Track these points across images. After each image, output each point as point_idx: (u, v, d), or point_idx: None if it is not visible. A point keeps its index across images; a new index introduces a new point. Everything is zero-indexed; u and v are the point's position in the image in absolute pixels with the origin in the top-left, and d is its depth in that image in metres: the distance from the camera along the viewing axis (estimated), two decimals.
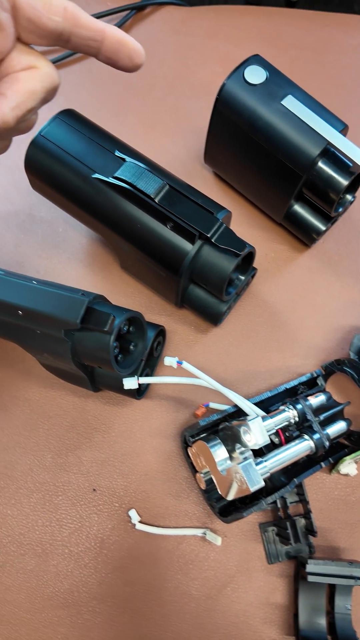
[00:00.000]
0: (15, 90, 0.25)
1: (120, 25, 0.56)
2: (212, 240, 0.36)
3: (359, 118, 0.53)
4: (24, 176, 0.50)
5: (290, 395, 0.43)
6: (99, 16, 0.56)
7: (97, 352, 0.35)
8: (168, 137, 0.52)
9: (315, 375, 0.43)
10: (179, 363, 0.37)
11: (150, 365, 0.43)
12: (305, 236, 0.46)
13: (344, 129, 0.41)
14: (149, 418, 0.43)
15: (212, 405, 0.43)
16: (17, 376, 0.44)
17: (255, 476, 0.34)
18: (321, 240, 0.49)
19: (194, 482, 0.42)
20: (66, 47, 0.27)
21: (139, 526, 0.40)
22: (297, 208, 0.45)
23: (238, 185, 0.48)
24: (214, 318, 0.43)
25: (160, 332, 0.42)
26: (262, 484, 0.34)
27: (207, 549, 0.41)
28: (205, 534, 0.40)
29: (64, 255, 0.48)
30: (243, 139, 0.42)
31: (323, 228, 0.45)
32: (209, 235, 0.36)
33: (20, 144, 0.50)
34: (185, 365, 0.37)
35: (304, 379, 0.43)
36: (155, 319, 0.46)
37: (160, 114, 0.53)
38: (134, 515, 0.41)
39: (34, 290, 0.34)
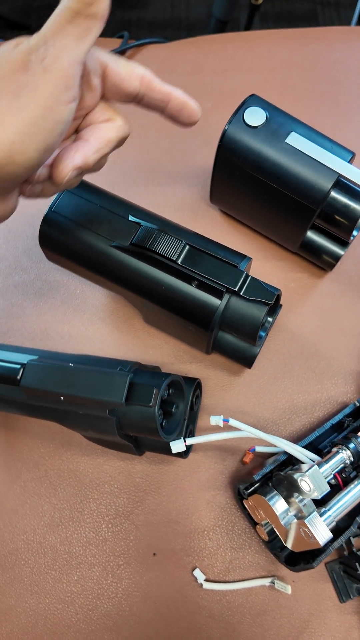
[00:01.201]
0: (97, 137, 0.30)
1: None
2: (241, 294, 0.36)
3: (355, 131, 0.53)
4: (34, 243, 0.50)
5: (337, 430, 0.42)
6: None
7: (143, 424, 0.35)
8: (170, 182, 0.52)
9: (358, 404, 0.43)
10: (225, 421, 0.36)
11: (191, 419, 0.43)
12: (323, 263, 0.46)
13: (352, 158, 0.40)
14: (197, 472, 0.43)
15: (258, 449, 0.43)
16: (59, 449, 0.44)
17: (322, 530, 0.33)
18: (340, 263, 0.48)
19: (253, 532, 0.41)
20: (138, 105, 0.32)
21: (206, 585, 0.40)
22: (312, 236, 0.45)
23: (248, 221, 0.48)
24: (247, 361, 0.42)
25: (197, 384, 0.42)
26: (331, 535, 0.33)
27: (277, 597, 0.40)
28: (273, 582, 0.40)
29: (85, 317, 0.48)
30: (250, 180, 0.42)
31: (341, 253, 0.45)
32: (236, 290, 0.36)
33: (28, 216, 0.50)
34: (232, 422, 0.36)
35: (348, 410, 0.42)
36: (186, 368, 0.46)
37: (158, 159, 0.53)
38: (199, 574, 0.40)
39: (73, 374, 0.34)
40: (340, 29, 0.59)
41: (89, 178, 0.42)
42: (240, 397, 0.45)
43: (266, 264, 0.49)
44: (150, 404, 0.33)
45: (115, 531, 0.42)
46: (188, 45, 0.59)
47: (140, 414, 0.34)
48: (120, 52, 0.57)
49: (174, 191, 0.52)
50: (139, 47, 0.58)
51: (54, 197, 0.40)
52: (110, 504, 0.42)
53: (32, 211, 0.51)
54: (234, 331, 0.39)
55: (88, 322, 0.48)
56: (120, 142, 0.32)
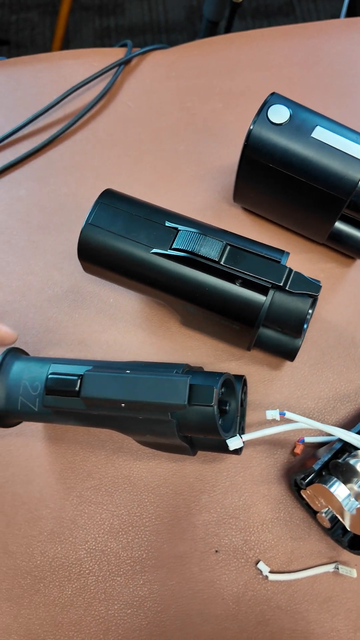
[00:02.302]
0: None
1: (112, 83, 0.57)
2: (286, 288, 0.37)
3: None
4: (62, 257, 0.51)
5: None
6: (89, 80, 0.56)
7: (203, 424, 0.35)
8: (189, 185, 0.53)
9: None
10: (282, 414, 0.37)
11: (242, 416, 0.43)
12: (352, 251, 0.47)
13: None
14: (249, 467, 0.44)
15: (308, 439, 0.43)
16: (111, 456, 0.44)
17: None
18: None
19: (312, 521, 0.42)
20: None
21: (272, 577, 0.41)
22: (341, 226, 0.45)
23: (274, 217, 0.49)
24: (290, 355, 0.43)
25: (244, 381, 0.43)
26: None
27: (341, 582, 0.41)
28: (337, 568, 0.41)
29: (120, 324, 0.48)
30: (278, 176, 0.42)
31: None
32: (281, 285, 0.37)
33: (55, 232, 0.51)
34: (288, 414, 0.37)
35: None
36: (226, 366, 0.47)
37: (176, 165, 0.54)
38: (263, 567, 0.41)
39: (134, 381, 0.34)
40: (339, 22, 0.60)
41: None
42: (284, 390, 0.46)
43: (293, 258, 0.49)
44: (212, 404, 0.33)
45: (175, 532, 0.42)
46: (191, 49, 0.60)
47: (200, 415, 0.35)
48: (127, 60, 0.58)
49: (194, 194, 0.53)
50: (144, 55, 0.59)
51: (89, 211, 0.40)
52: (167, 505, 0.43)
53: (59, 228, 0.52)
54: (278, 326, 0.40)
55: (124, 330, 0.48)
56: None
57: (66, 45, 1.55)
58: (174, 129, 0.55)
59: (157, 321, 0.48)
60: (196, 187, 0.53)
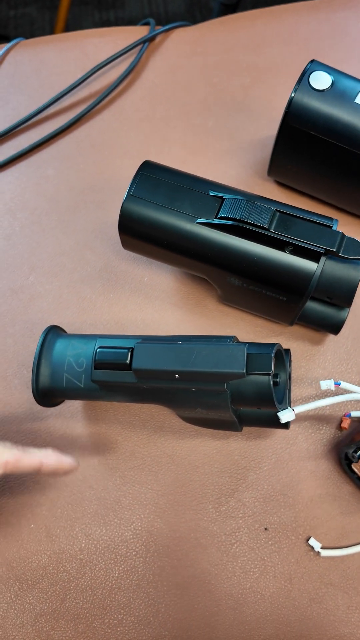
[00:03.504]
0: None
1: (137, 60, 0.56)
2: (340, 254, 0.36)
3: None
4: (94, 236, 0.49)
5: None
6: (114, 58, 0.55)
7: (258, 395, 0.34)
8: (220, 160, 0.52)
9: None
10: (337, 384, 0.36)
11: (289, 389, 0.42)
12: None
13: None
14: (295, 443, 0.43)
15: (354, 414, 0.43)
16: (153, 435, 0.43)
17: None
18: None
19: None
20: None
21: (324, 552, 0.40)
22: None
23: (312, 191, 0.48)
24: (335, 327, 0.42)
25: (289, 355, 0.42)
26: None
27: None
28: None
29: (156, 303, 0.47)
30: (320, 145, 0.41)
31: None
32: (334, 250, 0.36)
33: (85, 211, 0.50)
34: (344, 384, 0.36)
35: None
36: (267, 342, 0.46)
37: (206, 140, 0.53)
38: (314, 543, 0.40)
39: (187, 351, 0.33)
40: None
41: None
42: (327, 365, 0.45)
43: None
44: (270, 372, 0.33)
45: (222, 511, 0.42)
46: (216, 25, 0.59)
47: (254, 385, 0.34)
48: (151, 38, 0.57)
49: (225, 169, 0.52)
50: (167, 32, 0.58)
51: (130, 182, 0.39)
52: (213, 484, 0.42)
53: (89, 207, 0.51)
54: (327, 296, 0.39)
55: (160, 308, 0.47)
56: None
57: None
58: (202, 104, 0.54)
59: (193, 299, 0.47)
60: (227, 162, 0.52)
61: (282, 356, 0.38)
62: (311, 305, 0.41)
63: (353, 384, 0.44)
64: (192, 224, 0.38)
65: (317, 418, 0.43)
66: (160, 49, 0.57)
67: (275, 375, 0.38)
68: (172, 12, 1.59)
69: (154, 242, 0.40)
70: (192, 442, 0.43)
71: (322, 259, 0.37)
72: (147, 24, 0.59)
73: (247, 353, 0.33)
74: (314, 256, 0.36)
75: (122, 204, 0.39)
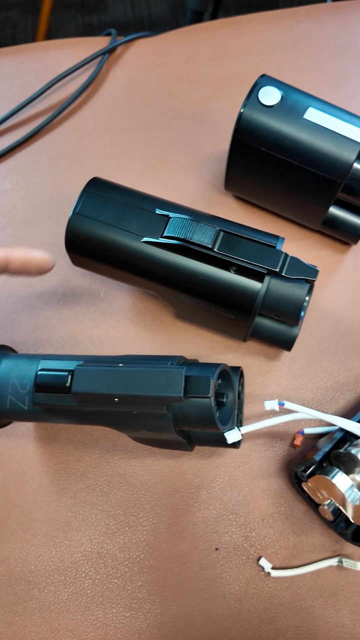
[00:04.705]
0: None
1: (97, 72, 0.55)
2: (283, 274, 0.35)
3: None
4: (50, 252, 0.49)
5: None
6: (73, 70, 0.55)
7: (200, 417, 0.34)
8: (179, 174, 0.51)
9: None
10: (281, 404, 0.36)
11: (239, 408, 0.42)
12: (348, 236, 0.46)
13: None
14: (248, 461, 0.42)
15: (307, 431, 0.42)
16: (105, 455, 0.43)
17: None
18: None
19: (314, 514, 0.41)
20: None
21: (275, 573, 0.39)
22: (335, 212, 0.44)
23: (267, 204, 0.48)
24: (287, 344, 0.42)
25: (241, 373, 0.41)
26: None
27: (346, 575, 0.40)
28: (341, 561, 0.40)
29: (112, 319, 0.47)
30: (270, 161, 0.41)
31: None
32: (277, 270, 0.35)
33: (41, 225, 0.49)
34: (288, 404, 0.36)
35: None
36: (222, 358, 0.45)
37: (166, 153, 0.52)
38: (265, 563, 0.40)
39: (127, 374, 0.33)
40: (328, 5, 0.59)
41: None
42: (282, 381, 0.44)
43: (287, 245, 0.48)
44: (209, 395, 0.32)
45: (173, 531, 0.41)
46: (178, 36, 0.58)
47: (196, 407, 0.34)
48: (111, 49, 0.56)
49: (185, 183, 0.51)
50: (129, 43, 0.58)
51: (76, 200, 0.39)
52: (165, 504, 0.42)
53: (46, 221, 0.50)
54: (275, 314, 0.39)
55: (116, 324, 0.47)
56: None
57: None
58: (162, 117, 0.54)
59: (150, 314, 0.47)
60: (187, 176, 0.51)
61: (229, 376, 0.37)
62: (263, 322, 0.41)
63: (307, 400, 0.44)
64: (138, 243, 0.38)
65: (271, 435, 0.43)
66: (121, 60, 0.57)
67: (222, 395, 0.37)
68: (156, 15, 1.59)
69: (102, 260, 0.39)
70: (145, 461, 0.43)
71: (267, 278, 0.36)
72: (109, 34, 0.58)
73: (186, 376, 0.33)
74: (257, 276, 0.36)
75: (68, 222, 0.38)
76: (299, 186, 0.42)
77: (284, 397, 0.44)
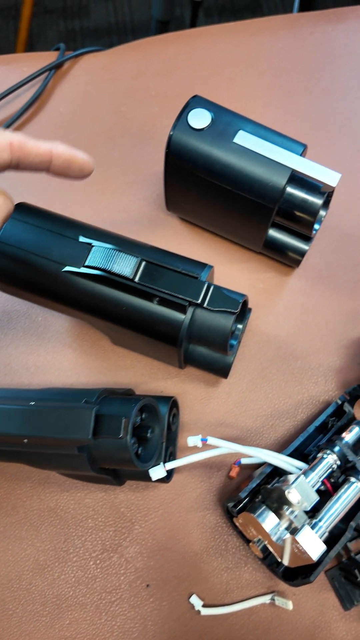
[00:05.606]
0: None
1: (42, 88, 0.54)
2: (204, 306, 0.34)
3: (308, 120, 0.52)
4: None
5: (322, 431, 0.41)
6: (17, 87, 0.53)
7: (116, 455, 0.33)
8: (124, 193, 0.50)
9: (340, 402, 0.41)
10: (204, 441, 0.35)
11: (171, 440, 0.41)
12: (289, 260, 0.45)
13: (304, 150, 0.39)
14: (183, 494, 0.41)
15: (244, 461, 0.41)
16: (36, 488, 0.42)
17: (315, 544, 0.32)
18: (305, 258, 0.47)
19: (248, 549, 0.40)
20: (16, 170, 0.31)
21: (205, 611, 0.38)
22: (275, 234, 0.43)
23: (208, 226, 0.46)
24: (223, 372, 0.40)
25: (173, 403, 0.40)
26: (324, 548, 0.32)
27: (279, 613, 0.39)
28: (274, 599, 0.38)
29: (49, 345, 0.46)
30: (203, 184, 0.40)
31: (306, 248, 0.43)
32: (199, 302, 0.34)
33: None
34: (211, 440, 0.35)
35: (330, 410, 0.41)
36: (162, 385, 0.44)
37: (111, 172, 0.51)
38: (195, 601, 0.38)
39: (35, 415, 0.31)
40: (283, 17, 0.58)
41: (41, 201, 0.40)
42: (221, 408, 0.43)
43: (232, 267, 0.47)
44: (120, 436, 0.31)
45: (104, 567, 0.40)
46: (128, 50, 0.57)
47: (112, 446, 0.32)
48: (57, 65, 0.55)
49: (129, 202, 0.50)
50: (77, 58, 0.56)
51: None
52: (96, 538, 0.40)
53: None
54: (203, 344, 0.37)
55: (53, 350, 0.45)
56: (4, 221, 0.31)
57: (30, 49, 1.52)
58: (108, 134, 0.53)
59: (88, 340, 0.46)
60: (132, 196, 0.50)
61: (155, 409, 0.36)
62: (197, 349, 0.40)
63: (246, 428, 0.43)
64: (59, 272, 0.36)
65: (208, 466, 0.42)
66: (68, 77, 0.56)
67: (146, 430, 0.36)
68: (138, 20, 1.58)
69: (26, 289, 0.38)
70: (77, 494, 0.41)
71: (190, 309, 0.35)
72: (58, 49, 0.57)
73: (98, 415, 0.32)
74: (179, 308, 0.35)
75: None
76: (235, 210, 0.41)
77: (222, 426, 0.43)
